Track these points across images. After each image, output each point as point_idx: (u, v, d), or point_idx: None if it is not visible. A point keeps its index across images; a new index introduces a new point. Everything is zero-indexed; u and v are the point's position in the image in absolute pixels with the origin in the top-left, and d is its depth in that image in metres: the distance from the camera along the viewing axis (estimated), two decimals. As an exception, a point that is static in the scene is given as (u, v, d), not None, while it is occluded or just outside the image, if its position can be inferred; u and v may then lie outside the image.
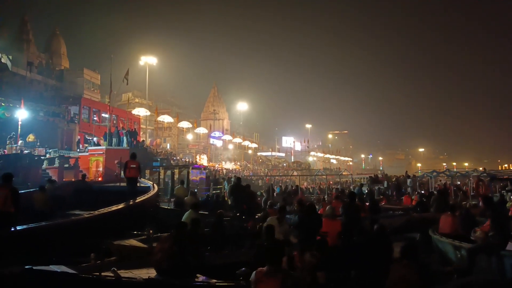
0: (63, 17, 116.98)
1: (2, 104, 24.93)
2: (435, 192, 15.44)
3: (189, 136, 53.82)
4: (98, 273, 4.51)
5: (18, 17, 43.48)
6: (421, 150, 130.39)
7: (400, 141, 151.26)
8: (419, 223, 10.30)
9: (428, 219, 10.22)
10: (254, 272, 3.89)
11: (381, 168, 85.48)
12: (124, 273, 4.98)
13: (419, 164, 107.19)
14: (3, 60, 35.31)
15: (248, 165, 55.05)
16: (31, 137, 22.48)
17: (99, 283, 4.41)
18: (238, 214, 12.28)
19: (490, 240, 6.52)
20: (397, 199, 18.96)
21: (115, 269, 4.71)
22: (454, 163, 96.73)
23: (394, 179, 24.73)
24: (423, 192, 19.13)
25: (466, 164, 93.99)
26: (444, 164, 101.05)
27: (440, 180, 26.25)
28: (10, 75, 33.60)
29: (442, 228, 8.25)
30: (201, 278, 5.35)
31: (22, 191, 12.16)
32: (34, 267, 4.06)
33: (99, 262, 5.91)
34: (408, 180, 21.67)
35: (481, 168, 22.84)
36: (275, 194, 19.45)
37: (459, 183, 24.17)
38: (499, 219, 6.70)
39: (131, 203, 11.08)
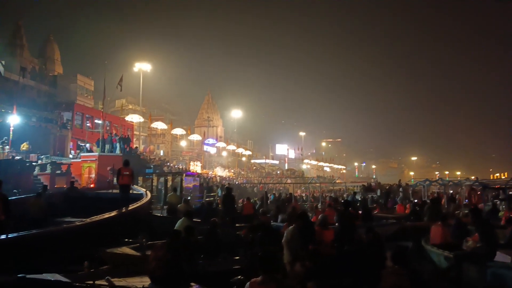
0: (57, 23, 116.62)
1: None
2: (428, 201, 15.52)
3: (183, 143, 53.75)
4: (92, 282, 4.48)
5: (12, 22, 43.29)
6: (413, 158, 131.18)
7: (393, 149, 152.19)
8: (412, 232, 10.36)
9: (421, 227, 10.29)
10: (249, 283, 3.84)
11: (374, 177, 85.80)
12: (118, 282, 4.96)
13: (412, 173, 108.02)
14: (-4, 65, 35.16)
15: (242, 172, 55.00)
16: (25, 146, 22.32)
17: (93, 292, 4.38)
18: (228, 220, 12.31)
19: (477, 249, 6.62)
20: (391, 207, 19.01)
21: (109, 278, 4.69)
22: (447, 172, 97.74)
23: (387, 187, 24.82)
24: (416, 201, 19.21)
25: (458, 173, 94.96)
26: (437, 172, 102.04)
27: (434, 191, 26.35)
28: (3, 80, 33.33)
29: (433, 239, 8.33)
30: (195, 286, 5.34)
31: (14, 197, 12.15)
32: (27, 276, 4.03)
33: (93, 270, 5.87)
34: (400, 189, 21.78)
35: (473, 177, 23.07)
36: (269, 201, 19.48)
37: (451, 192, 24.33)
38: (487, 230, 6.79)
39: (123, 210, 11.01)
